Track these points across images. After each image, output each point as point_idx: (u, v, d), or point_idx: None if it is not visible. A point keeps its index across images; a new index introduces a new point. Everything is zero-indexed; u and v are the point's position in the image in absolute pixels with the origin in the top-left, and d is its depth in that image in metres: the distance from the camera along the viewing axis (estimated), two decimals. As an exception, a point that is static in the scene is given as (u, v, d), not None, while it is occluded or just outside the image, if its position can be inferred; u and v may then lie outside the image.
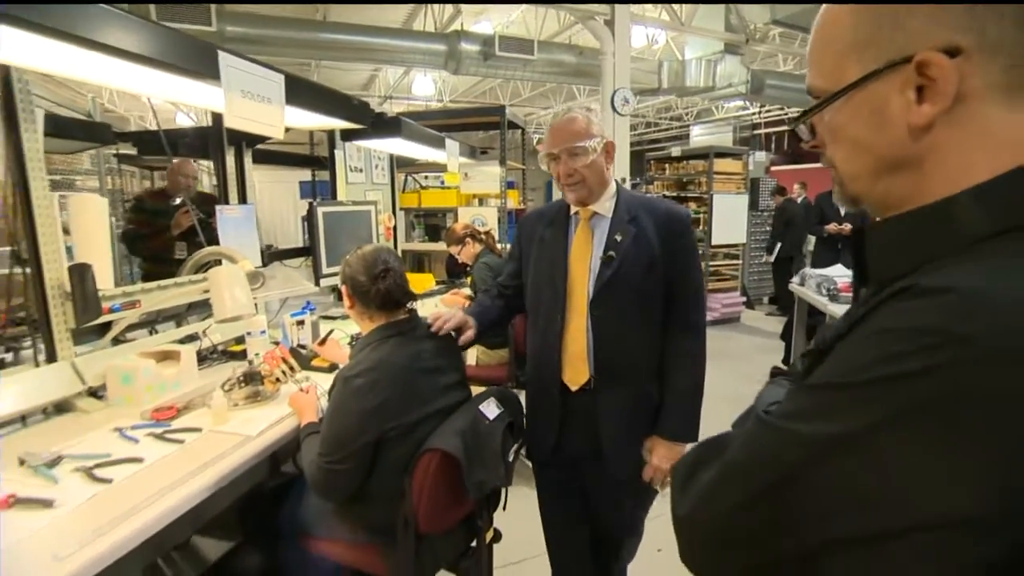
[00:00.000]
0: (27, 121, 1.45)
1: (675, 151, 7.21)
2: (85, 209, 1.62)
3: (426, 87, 9.32)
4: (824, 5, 0.54)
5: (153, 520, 1.06)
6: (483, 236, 3.01)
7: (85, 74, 1.20)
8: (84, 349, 1.72)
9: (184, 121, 8.61)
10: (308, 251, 2.57)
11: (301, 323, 2.01)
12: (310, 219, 2.36)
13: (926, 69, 0.46)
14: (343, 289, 1.49)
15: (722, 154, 6.64)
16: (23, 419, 1.49)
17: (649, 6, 6.64)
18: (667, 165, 7.36)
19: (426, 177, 6.03)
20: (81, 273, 1.55)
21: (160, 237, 2.13)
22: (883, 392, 0.40)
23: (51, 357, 1.58)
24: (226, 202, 2.21)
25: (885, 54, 0.48)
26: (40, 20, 0.91)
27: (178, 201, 2.52)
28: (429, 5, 6.77)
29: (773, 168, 10.66)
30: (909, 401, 0.39)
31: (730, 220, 6.67)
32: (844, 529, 0.42)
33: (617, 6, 5.64)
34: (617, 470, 1.48)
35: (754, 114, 11.91)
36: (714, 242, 6.53)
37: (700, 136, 12.67)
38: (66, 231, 1.66)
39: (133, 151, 3.65)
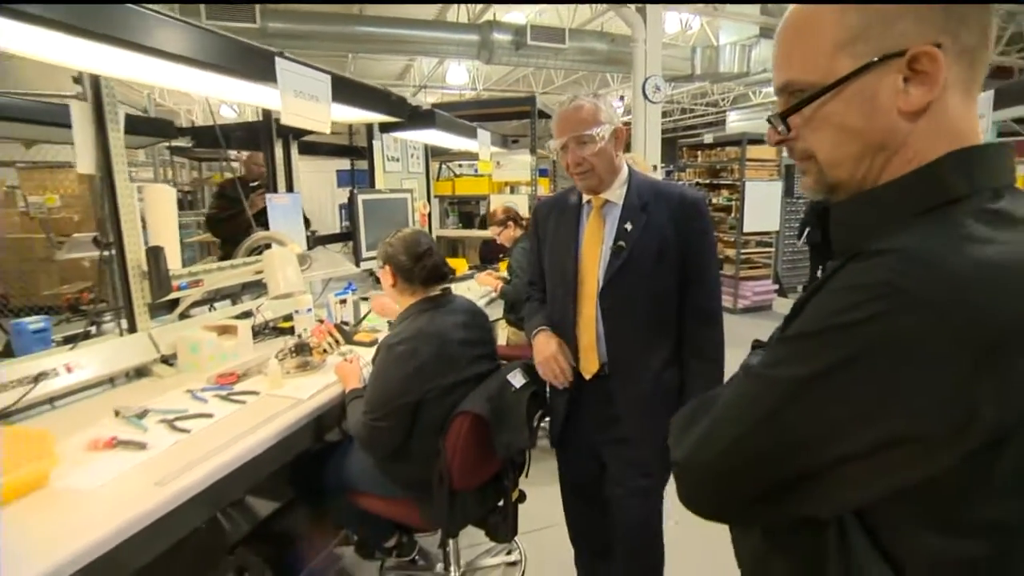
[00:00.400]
0: (112, 121, 1.65)
1: (707, 138, 7.17)
2: (158, 198, 1.82)
3: (460, 76, 9.45)
4: (791, 7, 0.60)
5: (225, 463, 1.25)
6: (524, 221, 3.14)
7: (164, 80, 1.38)
8: (155, 323, 1.94)
9: (228, 114, 9.03)
10: (349, 236, 2.76)
11: (344, 302, 2.20)
12: (351, 206, 2.54)
13: (917, 62, 0.52)
14: (386, 268, 1.65)
15: (756, 140, 6.58)
16: (111, 380, 1.72)
17: (682, -9, 6.58)
18: (699, 152, 7.31)
19: (460, 165, 6.19)
20: (156, 255, 1.76)
21: (237, 219, 2.37)
22: (840, 337, 0.48)
23: (132, 328, 1.79)
24: (275, 191, 2.41)
25: (877, 49, 0.54)
26: (133, 38, 1.09)
27: (254, 184, 2.84)
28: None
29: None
30: (859, 343, 0.46)
31: (763, 207, 6.60)
32: (817, 457, 0.49)
33: (649, -7, 5.64)
34: (640, 456, 1.46)
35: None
36: (746, 229, 6.49)
37: (736, 122, 12.42)
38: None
39: (183, 144, 3.93)
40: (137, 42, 1.06)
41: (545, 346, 1.49)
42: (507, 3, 6.35)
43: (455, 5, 7.08)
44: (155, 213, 1.82)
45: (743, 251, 6.57)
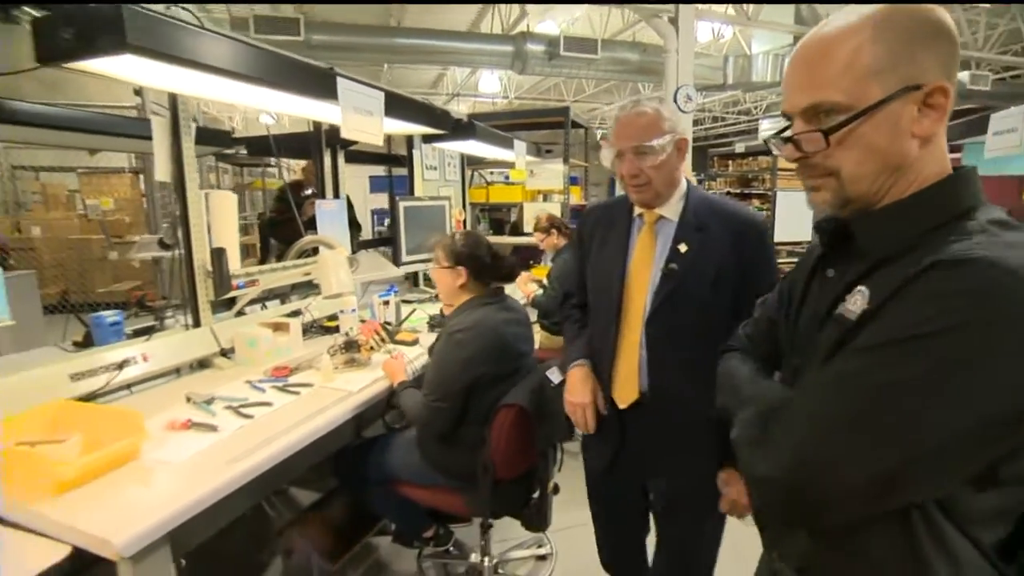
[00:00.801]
0: (185, 133, 1.81)
1: (739, 147, 7.15)
2: (221, 204, 1.98)
3: (492, 84, 9.63)
4: (830, 35, 0.66)
5: (287, 446, 1.37)
6: (567, 230, 3.23)
7: (237, 97, 1.52)
8: (215, 319, 2.09)
9: (266, 121, 9.41)
10: (388, 241, 2.89)
11: (387, 303, 2.33)
12: (392, 212, 2.68)
13: (932, 96, 0.63)
14: (458, 269, 1.73)
15: (789, 150, 6.51)
16: (177, 371, 1.87)
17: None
18: (730, 161, 7.31)
19: (491, 173, 6.33)
20: (220, 255, 1.91)
21: (293, 223, 2.53)
22: (928, 345, 0.54)
23: (196, 323, 1.95)
24: (323, 197, 2.56)
25: (902, 80, 0.62)
26: (217, 63, 1.22)
27: (308, 192, 3.01)
28: (496, 7, 7.05)
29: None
30: (947, 351, 0.53)
31: (795, 218, 6.55)
32: (939, 449, 0.55)
33: (681, 5, 5.69)
34: (681, 489, 1.38)
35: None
36: (777, 239, 6.44)
37: (770, 130, 12.28)
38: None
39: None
40: (221, 67, 1.20)
41: (579, 390, 1.40)
42: (545, 2, 6.45)
43: (489, 15, 7.25)
44: (218, 217, 1.97)
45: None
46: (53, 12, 0.97)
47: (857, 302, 0.65)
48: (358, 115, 1.56)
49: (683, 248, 1.28)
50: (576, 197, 5.49)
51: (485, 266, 1.75)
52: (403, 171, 3.22)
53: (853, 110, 0.64)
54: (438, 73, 10.54)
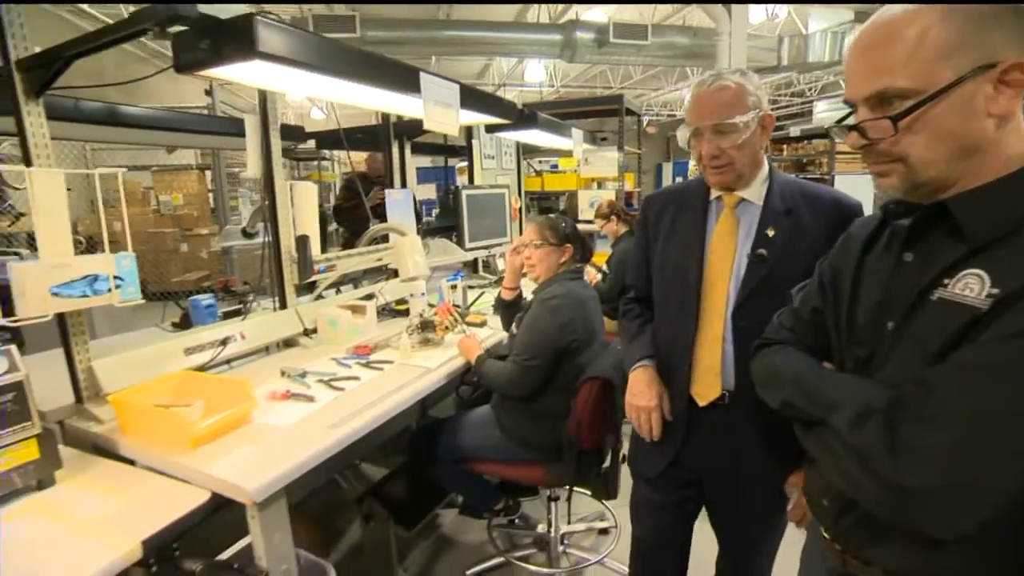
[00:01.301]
0: (273, 128, 1.96)
1: (793, 131, 6.95)
2: (304, 194, 2.12)
3: (538, 74, 9.63)
4: (895, 18, 0.65)
5: (380, 414, 1.49)
6: (628, 216, 3.26)
7: (333, 94, 1.63)
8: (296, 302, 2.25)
9: (317, 115, 9.76)
10: (449, 229, 3.02)
11: (454, 287, 2.44)
12: (456, 201, 2.79)
13: (1007, 74, 0.61)
14: (564, 245, 1.90)
15: (847, 132, 6.27)
16: (267, 349, 2.03)
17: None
18: (784, 145, 7.11)
19: (540, 162, 6.40)
20: (304, 242, 2.06)
21: (358, 210, 2.68)
22: None
23: (283, 305, 2.11)
24: (391, 187, 2.70)
25: (973, 60, 0.61)
26: (321, 64, 1.34)
27: (375, 180, 3.29)
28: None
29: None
30: None
31: (853, 202, 6.33)
32: None
33: (735, -15, 5.58)
34: (755, 500, 1.29)
35: (890, 85, 10.84)
36: (835, 224, 6.26)
37: (825, 112, 11.77)
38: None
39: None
40: (331, 68, 1.31)
41: (644, 393, 1.30)
42: (591, 3, 6.43)
43: (535, 6, 7.26)
44: (302, 206, 2.12)
45: (831, 247, 6.33)
46: (191, 27, 1.09)
47: (973, 287, 0.61)
48: (438, 107, 1.65)
49: (771, 233, 1.17)
50: (630, 184, 5.50)
51: (582, 243, 1.94)
52: (450, 162, 3.35)
53: (922, 95, 0.62)
54: (484, 64, 10.61)
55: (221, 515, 1.23)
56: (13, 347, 1.08)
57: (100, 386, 1.45)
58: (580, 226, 1.99)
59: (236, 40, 1.09)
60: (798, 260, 1.12)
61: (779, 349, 0.92)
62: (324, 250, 2.24)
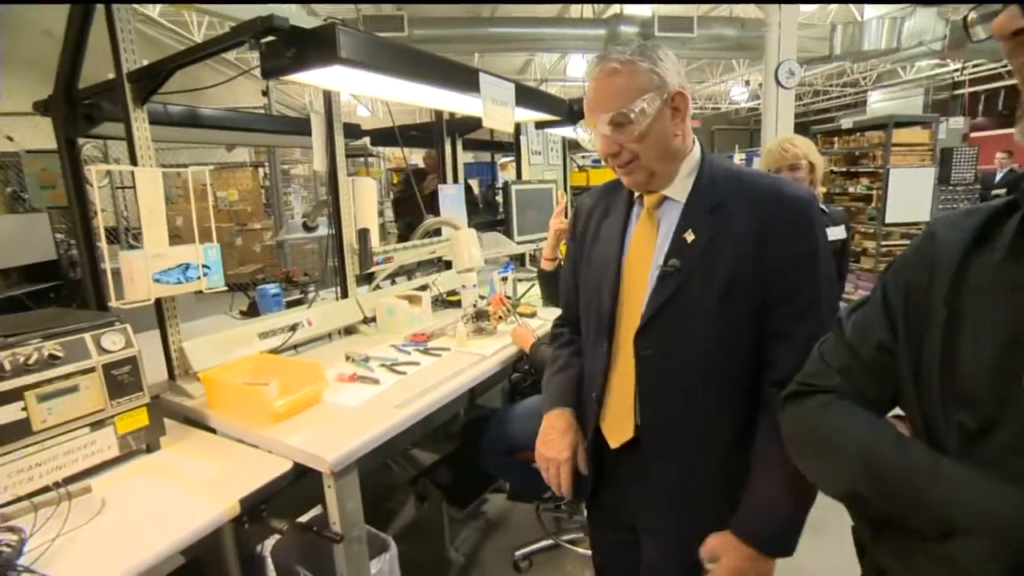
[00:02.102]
0: (336, 127, 2.08)
1: (845, 123, 6.74)
2: (365, 188, 2.24)
3: (581, 68, 9.63)
4: None
5: (442, 396, 1.59)
6: None
7: (398, 94, 1.73)
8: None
9: (363, 112, 10.06)
10: (501, 222, 3.10)
11: (505, 279, 2.52)
12: (505, 195, 2.87)
13: None
14: None
15: (904, 123, 6.05)
16: (329, 336, 2.16)
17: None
18: (836, 138, 6.90)
19: (584, 157, 6.43)
20: (364, 235, 2.17)
21: (413, 201, 2.81)
22: None
23: (344, 295, 2.23)
24: (444, 182, 2.80)
25: None
26: (383, 64, 1.43)
27: (429, 176, 3.56)
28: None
29: (973, 134, 9.29)
30: None
31: (911, 196, 6.10)
32: None
33: (786, -26, 5.45)
34: (665, 557, 1.07)
35: (954, 72, 10.26)
36: (889, 220, 6.05)
37: (880, 103, 11.37)
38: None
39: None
40: (400, 71, 1.41)
41: (555, 443, 1.11)
42: (633, 3, 6.40)
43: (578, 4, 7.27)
44: (362, 200, 2.23)
45: (884, 243, 6.14)
46: (280, 37, 1.20)
47: None
48: (495, 106, 1.73)
49: (690, 237, 0.96)
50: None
51: None
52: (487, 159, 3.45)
53: None
54: (526, 59, 10.68)
55: (296, 485, 1.34)
56: (128, 326, 1.22)
57: (190, 365, 1.59)
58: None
59: (320, 47, 1.19)
60: (720, 268, 0.93)
61: (829, 404, 0.67)
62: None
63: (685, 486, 1.02)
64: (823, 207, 2.14)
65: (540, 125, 2.64)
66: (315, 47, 1.19)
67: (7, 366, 1.03)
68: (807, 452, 0.71)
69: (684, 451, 1.01)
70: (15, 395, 1.04)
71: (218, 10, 1.72)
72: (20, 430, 1.05)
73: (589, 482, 1.15)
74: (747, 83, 11.08)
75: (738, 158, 11.56)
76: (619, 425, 1.06)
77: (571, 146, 4.56)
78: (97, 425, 1.17)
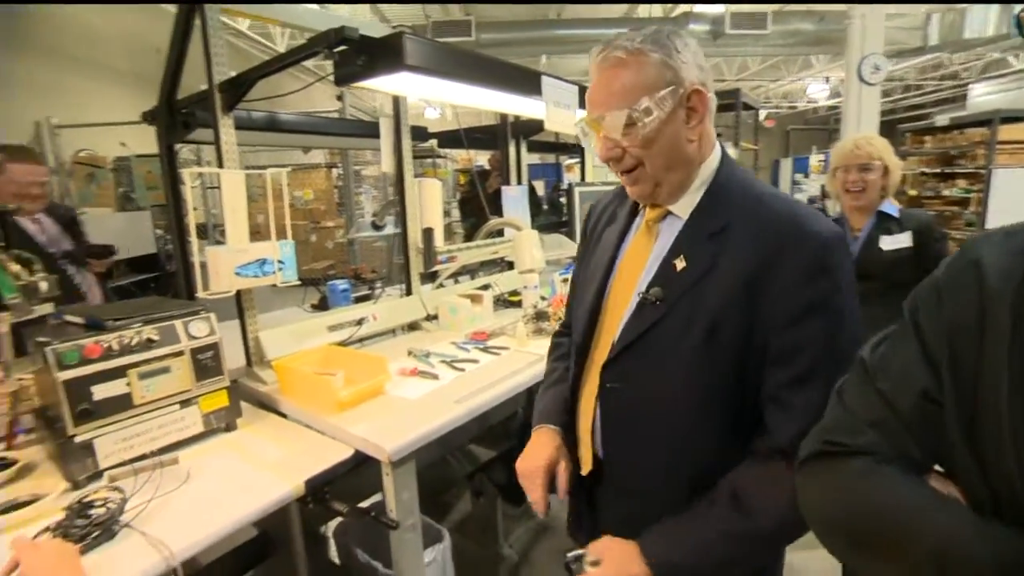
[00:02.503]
0: (404, 130, 2.16)
1: (940, 120, 6.25)
2: (431, 189, 2.31)
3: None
4: None
5: (498, 394, 1.62)
6: None
7: (462, 97, 1.79)
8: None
9: (431, 114, 10.35)
10: (565, 224, 3.12)
11: (566, 280, 2.53)
12: (569, 197, 2.89)
13: None
14: None
15: (1012, 118, 5.48)
16: (393, 331, 2.25)
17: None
18: (928, 137, 6.41)
19: (648, 159, 6.31)
20: (429, 234, 2.25)
21: (477, 200, 2.89)
22: None
23: (408, 292, 2.32)
24: (508, 183, 2.85)
25: None
26: (447, 69, 1.48)
27: (493, 175, 3.77)
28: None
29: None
30: None
31: (1018, 199, 5.57)
32: None
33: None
34: None
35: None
36: (990, 226, 5.56)
37: (984, 96, 10.36)
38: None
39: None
40: (465, 76, 1.45)
41: (534, 452, 0.99)
42: (704, 2, 6.21)
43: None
44: (427, 201, 2.31)
45: (982, 250, 5.63)
46: (351, 46, 1.27)
47: None
48: (558, 108, 1.75)
49: (680, 264, 0.83)
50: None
51: None
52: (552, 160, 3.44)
53: None
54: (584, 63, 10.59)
55: (357, 472, 1.41)
56: (212, 315, 1.33)
57: (264, 353, 1.71)
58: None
59: (387, 55, 1.26)
60: (710, 305, 0.79)
61: (872, 472, 0.55)
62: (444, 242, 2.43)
63: (635, 525, 0.86)
64: (893, 210, 2.01)
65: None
66: (383, 55, 1.26)
67: (116, 346, 1.16)
68: (853, 537, 0.55)
69: (641, 495, 0.90)
70: (121, 372, 1.17)
71: (297, 22, 1.84)
72: (124, 403, 1.18)
73: (569, 503, 1.07)
74: (827, 80, 10.48)
75: (815, 160, 10.97)
76: (584, 454, 0.97)
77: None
78: (185, 403, 1.29)
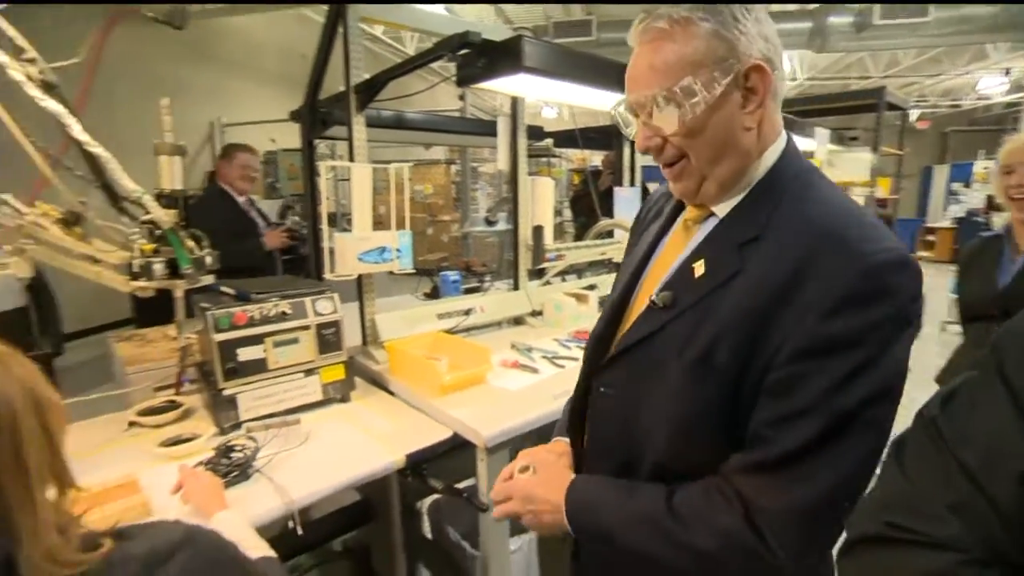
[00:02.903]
0: (520, 131, 2.22)
1: None
2: (543, 187, 2.36)
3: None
4: None
5: (592, 393, 1.62)
6: None
7: (574, 98, 1.80)
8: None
9: (548, 114, 10.45)
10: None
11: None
12: (680, 200, 2.82)
13: None
14: None
15: None
16: (499, 324, 2.32)
17: None
18: None
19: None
20: (538, 232, 2.29)
21: (589, 200, 2.93)
22: None
23: (516, 287, 2.38)
24: (620, 184, 2.82)
25: None
26: (562, 70, 1.50)
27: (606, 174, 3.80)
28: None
29: None
30: None
31: None
32: None
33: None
34: None
35: None
36: None
37: None
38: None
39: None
40: (580, 77, 1.47)
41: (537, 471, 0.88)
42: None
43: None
44: (539, 199, 2.36)
45: None
46: (472, 49, 1.34)
47: None
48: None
49: (699, 270, 0.71)
50: (884, 190, 4.77)
51: None
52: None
53: None
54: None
55: (453, 455, 1.48)
56: (336, 295, 1.47)
57: (378, 334, 1.84)
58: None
59: (507, 58, 1.31)
60: (726, 321, 0.66)
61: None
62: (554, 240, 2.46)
63: (617, 563, 0.79)
64: None
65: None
66: (503, 57, 1.31)
67: (258, 316, 1.33)
68: None
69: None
70: (259, 339, 1.34)
71: (426, 27, 1.96)
72: (260, 367, 1.35)
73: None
74: (1007, 72, 9.08)
75: (980, 167, 9.63)
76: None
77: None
78: (308, 372, 1.44)
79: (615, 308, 0.83)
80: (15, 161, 1.11)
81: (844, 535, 0.53)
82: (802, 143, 2.99)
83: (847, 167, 4.08)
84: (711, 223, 0.75)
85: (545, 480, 0.82)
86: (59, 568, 0.52)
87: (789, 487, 0.62)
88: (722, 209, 0.73)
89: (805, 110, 4.23)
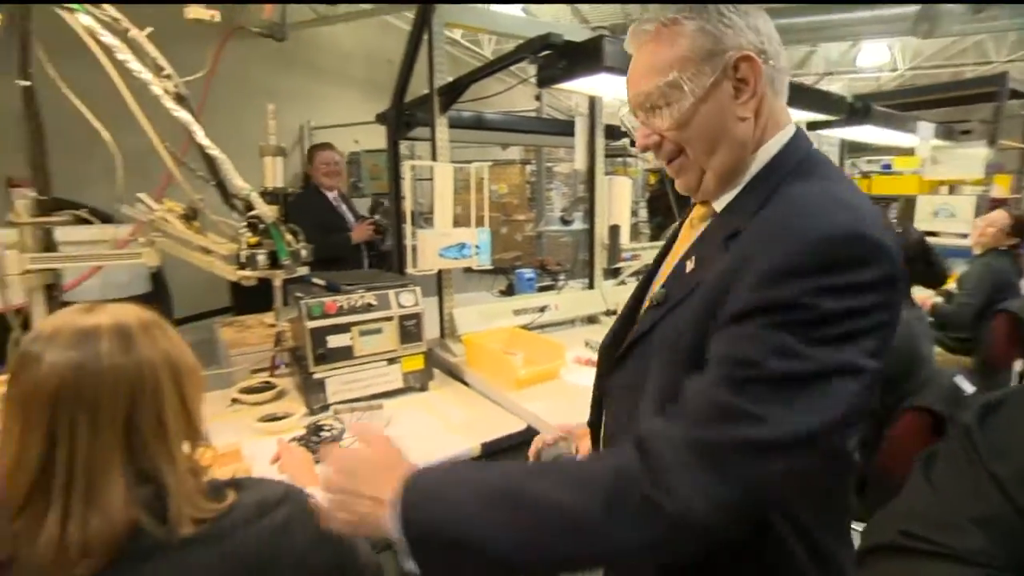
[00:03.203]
0: (598, 129, 2.22)
1: None
2: (620, 187, 2.35)
3: (876, 57, 8.22)
4: None
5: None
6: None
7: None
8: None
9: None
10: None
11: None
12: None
13: None
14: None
15: None
16: (572, 322, 2.34)
17: None
18: None
19: (868, 162, 5.50)
20: (615, 231, 2.28)
21: (666, 199, 2.89)
22: None
23: (591, 285, 2.38)
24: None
25: None
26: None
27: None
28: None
29: None
30: None
31: None
32: None
33: None
34: None
35: None
36: None
37: None
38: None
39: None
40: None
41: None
42: None
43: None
44: (616, 198, 2.35)
45: None
46: (553, 51, 1.37)
47: None
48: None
49: (689, 266, 0.72)
50: (1003, 188, 4.31)
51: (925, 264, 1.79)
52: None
53: None
54: (807, 51, 9.53)
55: (521, 451, 1.51)
56: (418, 289, 1.55)
57: (456, 328, 1.91)
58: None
59: (587, 58, 1.32)
60: (687, 319, 0.67)
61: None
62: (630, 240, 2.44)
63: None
64: None
65: (812, 126, 2.39)
66: (583, 57, 1.32)
67: (346, 306, 1.42)
68: None
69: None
70: (346, 328, 1.43)
71: (506, 30, 2.02)
72: (347, 353, 1.44)
73: None
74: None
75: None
76: None
77: (851, 148, 3.98)
78: (391, 361, 1.52)
79: (630, 307, 0.85)
80: (147, 164, 1.26)
81: (859, 544, 0.51)
82: (901, 138, 2.78)
83: (955, 164, 3.74)
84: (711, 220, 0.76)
85: (383, 458, 0.72)
86: (196, 510, 0.61)
87: (687, 426, 0.58)
88: (719, 204, 0.73)
89: (907, 103, 3.92)
